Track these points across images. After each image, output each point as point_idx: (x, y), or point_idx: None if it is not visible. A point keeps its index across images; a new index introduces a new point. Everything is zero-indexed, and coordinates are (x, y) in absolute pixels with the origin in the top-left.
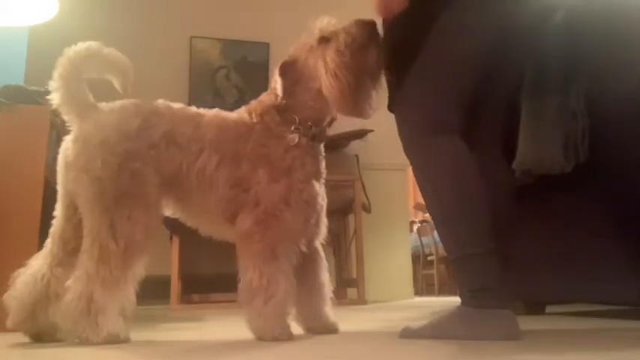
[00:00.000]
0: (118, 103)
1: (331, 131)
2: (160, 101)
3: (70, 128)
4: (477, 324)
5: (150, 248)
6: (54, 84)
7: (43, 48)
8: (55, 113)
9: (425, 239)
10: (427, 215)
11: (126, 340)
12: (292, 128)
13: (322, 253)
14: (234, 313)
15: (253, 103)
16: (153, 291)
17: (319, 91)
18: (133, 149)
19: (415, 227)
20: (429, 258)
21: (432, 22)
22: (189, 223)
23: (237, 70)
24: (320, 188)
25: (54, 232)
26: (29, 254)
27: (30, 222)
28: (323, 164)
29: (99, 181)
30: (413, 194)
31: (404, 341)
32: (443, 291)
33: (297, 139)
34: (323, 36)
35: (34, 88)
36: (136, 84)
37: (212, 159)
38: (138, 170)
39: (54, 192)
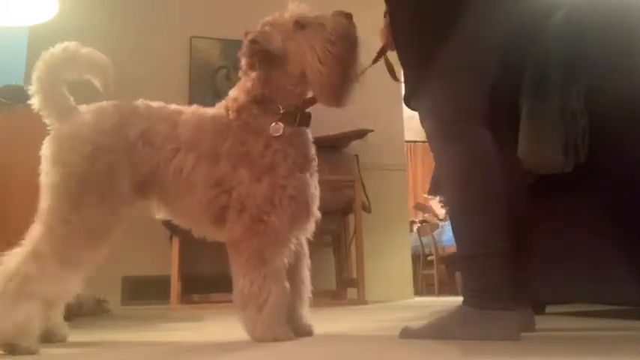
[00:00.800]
0: (97, 104)
1: (331, 131)
2: (140, 101)
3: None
4: (476, 324)
5: (103, 247)
6: (33, 87)
7: (43, 48)
8: None
9: (425, 239)
10: (427, 215)
11: (30, 347)
12: (277, 119)
13: (306, 249)
14: (234, 313)
15: (229, 99)
16: (153, 291)
17: (301, 76)
18: (107, 143)
19: (415, 227)
20: (429, 258)
21: (448, 26)
22: (181, 225)
23: (237, 70)
24: (311, 178)
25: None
26: None
27: (29, 222)
28: (312, 150)
29: (66, 167)
30: (413, 194)
31: (404, 341)
32: (443, 291)
33: (281, 130)
34: (298, 22)
35: None
36: (135, 84)
37: (188, 159)
38: (111, 163)
39: None
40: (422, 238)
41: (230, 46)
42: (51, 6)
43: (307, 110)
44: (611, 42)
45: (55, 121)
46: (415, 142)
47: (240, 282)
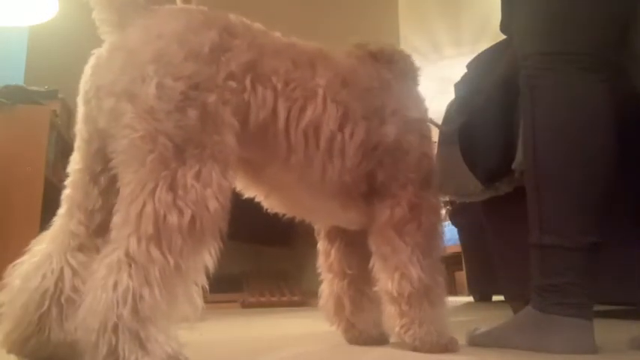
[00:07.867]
0: (175, 6)
1: None
2: (233, 16)
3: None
4: (539, 332)
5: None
6: None
7: (43, 48)
8: (55, 113)
9: None
10: None
11: None
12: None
13: None
14: (234, 313)
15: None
16: None
17: None
18: (204, 75)
19: None
20: None
21: None
22: (269, 200)
23: None
24: None
25: (70, 197)
26: None
27: (30, 222)
28: None
29: (151, 116)
30: None
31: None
32: None
33: None
34: (372, 52)
35: (34, 88)
36: None
37: (331, 112)
38: (211, 106)
39: (54, 191)
40: None
41: None
42: (51, 6)
43: None
44: None
45: (115, 24)
46: None
47: (412, 271)
